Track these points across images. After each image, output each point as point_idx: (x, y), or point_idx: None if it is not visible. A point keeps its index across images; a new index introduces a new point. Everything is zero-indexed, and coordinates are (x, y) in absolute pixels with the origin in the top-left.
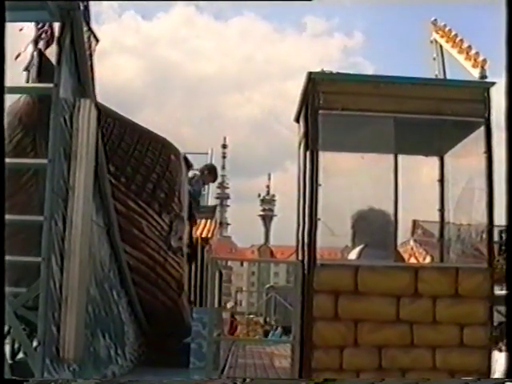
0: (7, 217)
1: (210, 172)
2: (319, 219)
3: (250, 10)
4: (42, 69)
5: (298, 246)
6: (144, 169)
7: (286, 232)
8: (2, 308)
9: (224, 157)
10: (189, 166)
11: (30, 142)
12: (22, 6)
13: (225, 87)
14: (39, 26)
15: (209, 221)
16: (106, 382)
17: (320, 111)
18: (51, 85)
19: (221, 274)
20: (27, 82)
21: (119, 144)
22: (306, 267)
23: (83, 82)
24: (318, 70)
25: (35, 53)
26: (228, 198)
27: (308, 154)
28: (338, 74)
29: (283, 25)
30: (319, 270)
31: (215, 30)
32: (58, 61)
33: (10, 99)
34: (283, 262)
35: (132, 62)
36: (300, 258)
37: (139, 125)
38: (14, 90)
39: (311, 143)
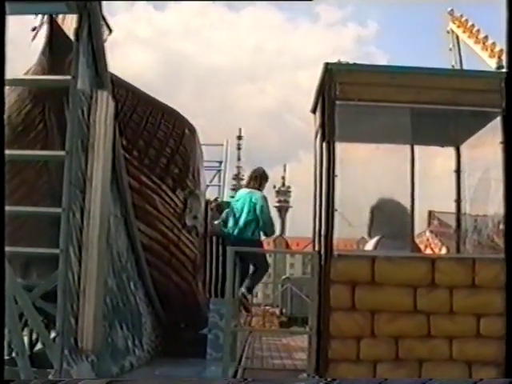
0: (25, 208)
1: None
2: (336, 210)
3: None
4: (54, 38)
5: (314, 236)
6: (157, 142)
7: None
8: (2, 308)
9: (239, 148)
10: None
11: (38, 112)
12: None
13: (237, 78)
14: None
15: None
16: (113, 383)
17: (337, 102)
18: (69, 77)
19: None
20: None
21: (131, 116)
22: (323, 258)
23: (100, 73)
24: (331, 59)
25: (46, 20)
26: None
27: (324, 144)
28: (355, 64)
29: (296, 15)
30: (336, 260)
31: (228, 21)
32: (76, 52)
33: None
34: (300, 253)
35: (144, 53)
36: (317, 248)
37: (152, 97)
38: (31, 82)
39: (328, 134)
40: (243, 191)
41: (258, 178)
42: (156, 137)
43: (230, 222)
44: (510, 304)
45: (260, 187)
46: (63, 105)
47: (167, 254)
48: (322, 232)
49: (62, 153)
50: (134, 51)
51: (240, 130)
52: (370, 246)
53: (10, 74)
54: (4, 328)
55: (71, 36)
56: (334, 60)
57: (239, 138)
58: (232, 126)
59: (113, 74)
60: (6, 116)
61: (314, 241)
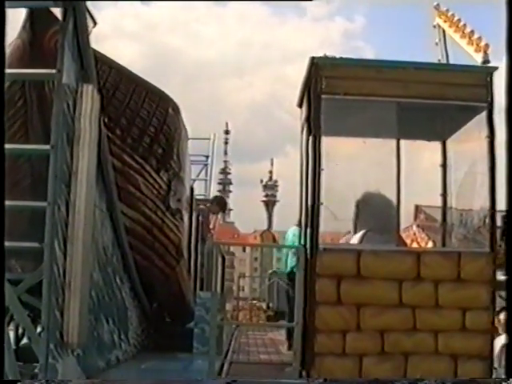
0: (9, 202)
1: (218, 203)
2: (322, 204)
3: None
4: (34, 13)
5: (300, 230)
6: (140, 121)
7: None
8: (2, 307)
9: (226, 142)
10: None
11: (18, 88)
12: None
13: (225, 72)
14: None
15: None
16: (106, 383)
17: (323, 96)
18: (54, 70)
19: (223, 259)
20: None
21: (114, 93)
22: (308, 252)
23: (86, 67)
24: (318, 54)
25: None
26: (230, 183)
27: (310, 138)
28: (341, 58)
29: (283, 9)
30: (322, 254)
31: (215, 15)
32: (61, 46)
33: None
34: (286, 247)
35: (131, 47)
36: (303, 242)
37: (136, 74)
38: (18, 75)
39: (314, 128)
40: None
41: None
42: (139, 115)
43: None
44: (509, 304)
45: None
46: (43, 81)
47: (150, 238)
48: (308, 225)
49: (47, 146)
50: (121, 45)
51: (227, 124)
52: (355, 239)
53: None
54: (4, 328)
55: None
56: (321, 54)
57: (226, 132)
58: (220, 120)
59: (96, 51)
60: None
61: (300, 235)
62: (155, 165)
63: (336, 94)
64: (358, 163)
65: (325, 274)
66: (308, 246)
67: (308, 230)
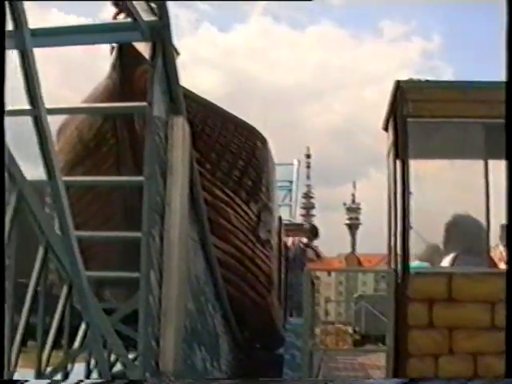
0: (105, 233)
1: (311, 230)
2: (411, 227)
3: (326, 18)
4: (123, 51)
5: (390, 254)
6: (229, 155)
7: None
8: (2, 308)
9: (308, 167)
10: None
11: (110, 127)
12: (112, 28)
13: (303, 96)
14: None
15: (297, 238)
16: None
17: (409, 119)
18: (145, 103)
19: (313, 285)
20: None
21: (203, 129)
22: (399, 275)
23: (175, 99)
24: (396, 74)
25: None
26: (313, 207)
27: (398, 162)
28: (426, 81)
29: (359, 31)
30: (413, 278)
31: (292, 40)
32: (151, 79)
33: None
34: (376, 271)
35: (210, 74)
36: (392, 266)
37: (224, 109)
38: (107, 109)
39: (401, 151)
40: None
41: None
42: (228, 149)
43: None
44: (509, 304)
45: None
46: (133, 119)
47: (242, 269)
48: (398, 249)
49: (141, 178)
50: (200, 72)
51: (308, 148)
52: (446, 262)
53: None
54: (4, 328)
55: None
56: (399, 75)
57: (308, 156)
58: (300, 145)
59: (183, 88)
60: (77, 132)
61: (389, 258)
62: (245, 197)
63: (422, 116)
64: (445, 185)
65: (416, 298)
66: (398, 269)
67: (398, 254)
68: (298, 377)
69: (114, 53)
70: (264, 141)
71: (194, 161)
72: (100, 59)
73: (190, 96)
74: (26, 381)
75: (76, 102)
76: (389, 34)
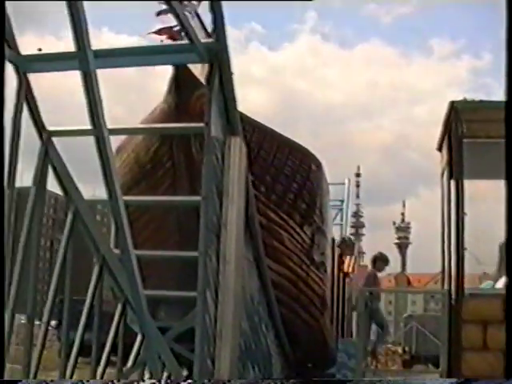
0: (163, 253)
1: (381, 259)
2: (466, 249)
3: (375, 36)
4: (179, 75)
5: (443, 274)
6: (284, 178)
7: (422, 259)
8: (2, 308)
9: (358, 185)
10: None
11: (166, 150)
12: (170, 49)
13: (353, 114)
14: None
15: (348, 257)
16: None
17: (464, 140)
18: (202, 124)
19: (366, 306)
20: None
21: (258, 152)
22: (453, 296)
23: (232, 120)
24: (446, 92)
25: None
26: (363, 226)
27: (452, 182)
28: (481, 101)
29: (409, 49)
30: (467, 299)
31: (341, 58)
32: (208, 100)
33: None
34: (429, 292)
35: (260, 93)
36: (446, 287)
37: (278, 133)
38: (166, 129)
39: (455, 172)
40: None
41: None
42: (283, 172)
43: None
44: (509, 304)
45: None
46: (190, 142)
47: (296, 291)
48: (452, 270)
49: (198, 198)
50: (250, 91)
51: (358, 167)
52: (501, 284)
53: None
54: (4, 328)
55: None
56: (448, 93)
57: (357, 175)
58: (350, 163)
59: (239, 112)
60: (134, 154)
61: (443, 279)
62: (299, 220)
63: (477, 137)
64: (500, 206)
65: (470, 320)
66: (453, 291)
67: (452, 275)
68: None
69: (170, 77)
70: (318, 164)
71: (250, 183)
72: (151, 77)
73: (245, 119)
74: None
75: (129, 120)
76: (438, 51)
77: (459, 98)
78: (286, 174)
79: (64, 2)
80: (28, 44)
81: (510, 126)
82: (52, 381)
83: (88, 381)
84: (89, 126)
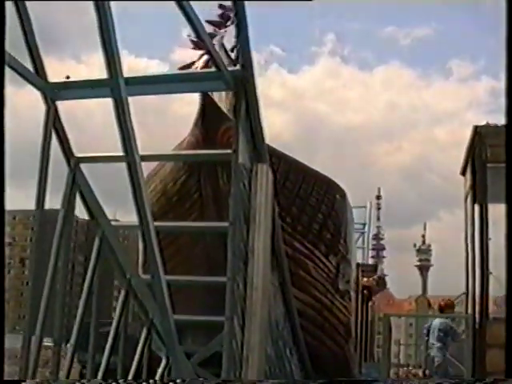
0: (188, 277)
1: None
2: (490, 273)
3: (394, 58)
4: (206, 109)
5: (467, 298)
6: (309, 209)
7: (443, 282)
8: (2, 309)
9: (379, 208)
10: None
11: (194, 183)
12: (198, 77)
13: (373, 137)
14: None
15: (370, 278)
16: None
17: (488, 165)
18: (229, 151)
19: (390, 330)
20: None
21: (284, 183)
22: (477, 321)
23: (258, 147)
24: (466, 114)
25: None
26: (384, 249)
27: (476, 207)
28: (504, 126)
29: (428, 71)
30: (492, 323)
31: (360, 80)
32: (236, 128)
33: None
34: (453, 316)
35: (280, 116)
36: (470, 311)
37: (303, 164)
38: (195, 156)
39: (479, 196)
40: None
41: None
42: (308, 203)
43: None
44: (509, 304)
45: None
46: (217, 175)
47: (320, 319)
48: (476, 294)
49: (226, 224)
50: (270, 114)
51: (379, 189)
52: None
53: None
54: (4, 329)
55: (222, 107)
56: (468, 114)
57: (378, 197)
58: (370, 186)
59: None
60: (161, 186)
61: (467, 303)
62: (324, 250)
63: (501, 162)
64: None
65: (495, 344)
66: (477, 315)
67: (476, 299)
68: None
69: (197, 111)
70: (343, 193)
71: (276, 209)
72: (172, 101)
73: (270, 151)
74: (24, 380)
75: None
76: (457, 72)
77: (479, 119)
78: (311, 204)
79: (85, 25)
80: (48, 67)
81: (509, 126)
82: (52, 381)
83: (89, 380)
84: (113, 153)
